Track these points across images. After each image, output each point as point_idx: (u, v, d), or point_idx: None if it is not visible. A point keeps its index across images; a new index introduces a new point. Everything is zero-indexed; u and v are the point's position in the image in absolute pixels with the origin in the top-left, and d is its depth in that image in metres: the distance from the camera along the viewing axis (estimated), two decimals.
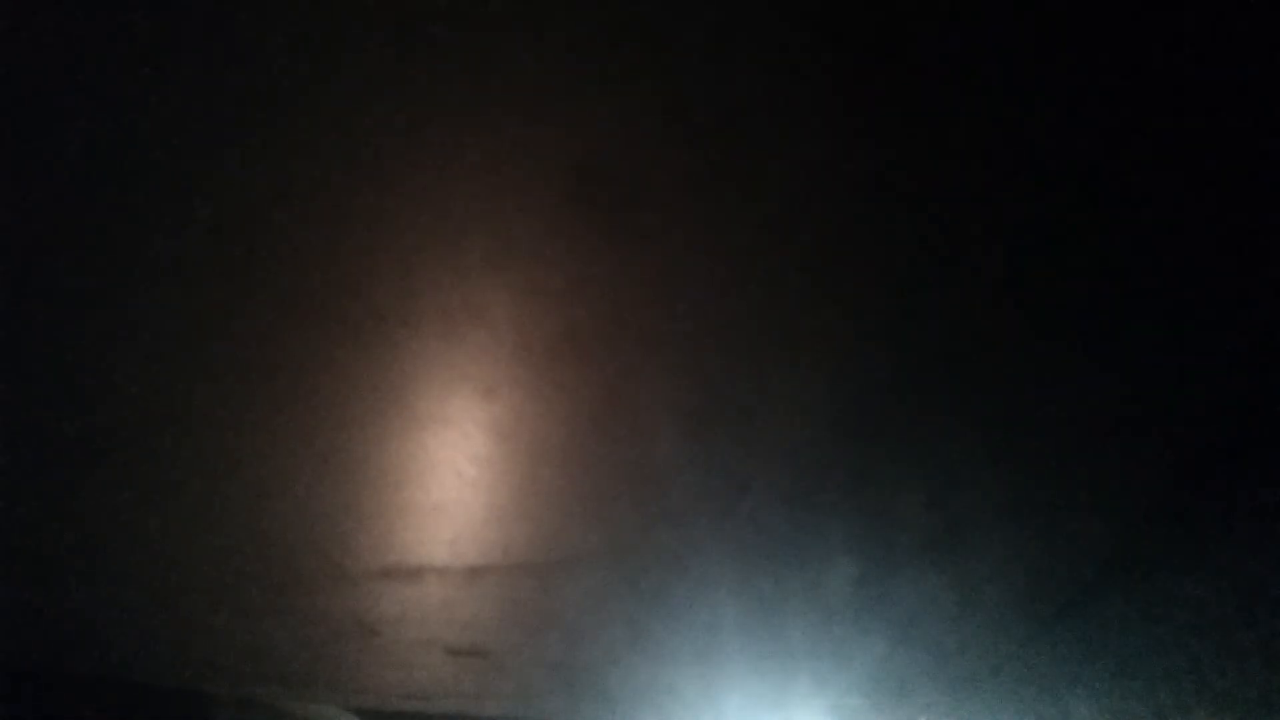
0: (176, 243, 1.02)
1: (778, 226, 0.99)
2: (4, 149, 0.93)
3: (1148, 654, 1.61)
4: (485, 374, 1.18)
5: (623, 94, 0.86)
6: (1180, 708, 1.54)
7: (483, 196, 0.96)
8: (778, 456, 1.36)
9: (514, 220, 0.98)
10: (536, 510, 1.50)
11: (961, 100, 0.88)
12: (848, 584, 1.71)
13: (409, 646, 2.20)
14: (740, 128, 0.90)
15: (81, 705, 2.54)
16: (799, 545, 1.61)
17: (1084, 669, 1.82)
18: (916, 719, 2.54)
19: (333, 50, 0.83)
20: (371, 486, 1.45)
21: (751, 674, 2.31)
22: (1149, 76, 0.85)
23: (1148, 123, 0.90)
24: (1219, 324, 1.14)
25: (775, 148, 0.92)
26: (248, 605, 1.94)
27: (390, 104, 0.87)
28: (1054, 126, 0.90)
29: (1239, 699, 1.41)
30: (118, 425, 1.35)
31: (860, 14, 0.81)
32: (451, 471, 1.39)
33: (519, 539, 1.59)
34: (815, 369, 1.19)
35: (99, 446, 1.41)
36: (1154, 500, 1.48)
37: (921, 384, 1.22)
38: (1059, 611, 1.82)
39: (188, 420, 1.32)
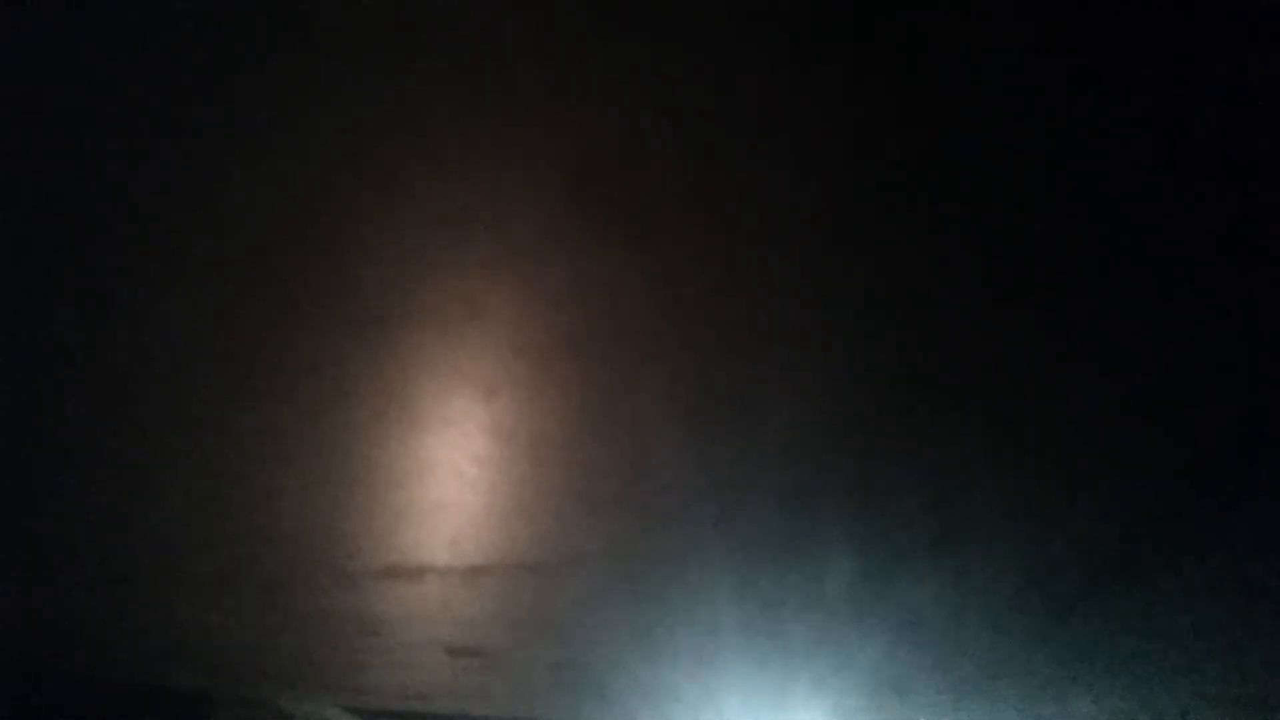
0: (176, 243, 1.02)
1: (778, 227, 0.99)
2: (3, 149, 0.93)
3: (1148, 654, 1.61)
4: (485, 374, 1.18)
5: (623, 94, 0.86)
6: (1180, 708, 1.54)
7: (483, 196, 0.96)
8: (778, 456, 1.36)
9: (514, 220, 0.98)
10: (536, 510, 1.50)
11: (963, 100, 0.88)
12: (847, 584, 1.71)
13: (409, 646, 2.20)
14: (740, 128, 0.89)
15: (81, 705, 2.54)
16: (799, 545, 1.61)
17: (1084, 669, 1.82)
18: (916, 719, 2.54)
19: (333, 50, 0.83)
20: (371, 486, 1.45)
21: (752, 674, 2.31)
22: (1152, 76, 0.85)
23: (1147, 123, 0.90)
24: (1219, 324, 1.14)
25: (775, 148, 0.92)
26: (248, 605, 1.94)
27: (390, 104, 0.87)
28: (1057, 126, 0.90)
29: (1239, 699, 1.41)
30: (118, 425, 1.35)
31: (862, 14, 0.81)
32: (451, 471, 1.39)
33: (519, 539, 1.59)
34: (815, 369, 1.19)
35: (98, 447, 1.41)
36: (1154, 500, 1.47)
37: (921, 384, 1.22)
38: (1059, 612, 1.82)
39: (188, 420, 1.32)
